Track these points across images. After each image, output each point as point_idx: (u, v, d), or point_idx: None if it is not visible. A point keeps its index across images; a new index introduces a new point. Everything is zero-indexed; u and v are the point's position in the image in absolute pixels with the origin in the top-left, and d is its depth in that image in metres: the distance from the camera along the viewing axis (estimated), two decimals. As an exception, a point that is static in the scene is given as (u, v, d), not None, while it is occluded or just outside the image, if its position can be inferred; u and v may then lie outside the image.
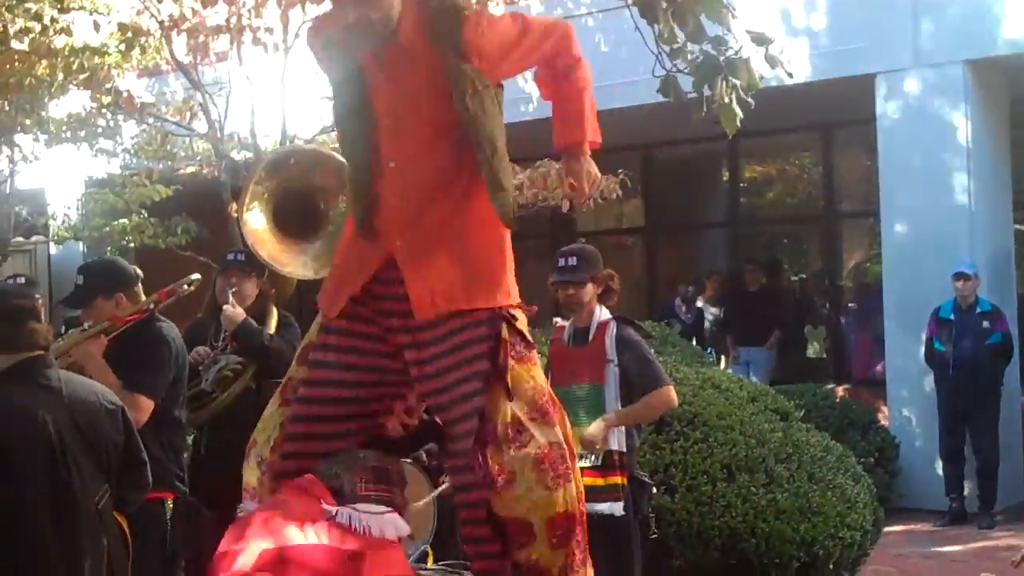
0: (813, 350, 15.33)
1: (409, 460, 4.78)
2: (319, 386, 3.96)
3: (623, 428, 6.17)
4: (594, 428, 6.06)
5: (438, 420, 4.10)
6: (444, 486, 5.23)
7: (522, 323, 3.95)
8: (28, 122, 12.12)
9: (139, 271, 5.68)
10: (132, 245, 12.98)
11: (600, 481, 6.06)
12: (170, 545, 5.29)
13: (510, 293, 3.96)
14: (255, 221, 4.51)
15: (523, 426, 3.76)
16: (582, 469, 6.02)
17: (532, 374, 3.88)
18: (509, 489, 3.71)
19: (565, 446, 3.86)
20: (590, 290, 6.36)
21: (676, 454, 7.50)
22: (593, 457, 6.10)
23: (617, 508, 6.05)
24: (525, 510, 3.73)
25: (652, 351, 6.61)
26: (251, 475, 4.01)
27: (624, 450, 6.14)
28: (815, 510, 7.54)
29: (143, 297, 5.55)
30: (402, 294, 3.90)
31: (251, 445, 4.05)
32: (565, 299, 6.43)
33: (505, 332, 3.82)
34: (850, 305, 14.83)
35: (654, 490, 6.56)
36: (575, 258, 6.41)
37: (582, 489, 3.90)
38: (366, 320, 3.98)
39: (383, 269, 3.94)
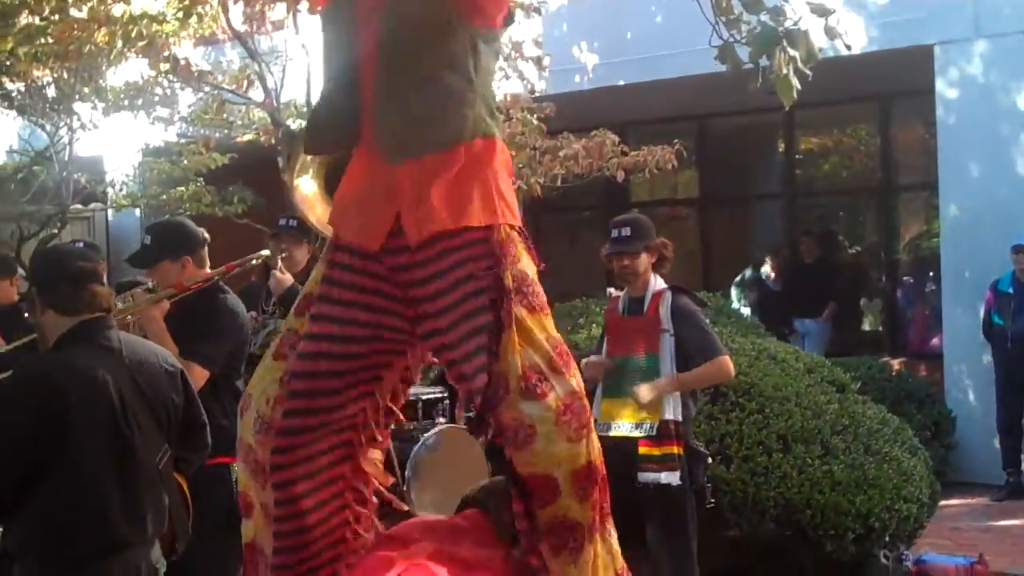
0: (869, 323, 15.24)
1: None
2: (322, 340, 3.81)
3: (679, 398, 6.16)
4: (645, 388, 6.08)
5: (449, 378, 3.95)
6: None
7: (529, 268, 3.71)
8: (87, 90, 12.20)
9: (206, 234, 5.66)
10: (189, 213, 13.04)
11: (656, 451, 6.07)
12: (235, 509, 5.32)
13: (505, 211, 3.74)
14: (306, 186, 4.50)
15: (544, 374, 3.59)
16: (638, 439, 6.08)
17: (545, 324, 3.70)
18: (529, 444, 3.55)
19: (584, 399, 3.68)
20: (644, 260, 6.35)
21: (732, 425, 7.48)
22: (648, 426, 6.12)
23: (673, 478, 6.06)
24: (547, 464, 3.56)
25: (707, 321, 6.59)
26: (247, 432, 3.86)
27: (680, 420, 6.14)
28: (871, 482, 7.51)
29: (208, 261, 5.58)
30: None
31: (245, 401, 3.92)
32: (619, 269, 6.42)
33: (509, 280, 3.62)
34: (906, 278, 14.71)
35: (709, 460, 6.56)
36: (628, 228, 6.40)
37: (599, 447, 3.71)
38: (376, 276, 3.80)
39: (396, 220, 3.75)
